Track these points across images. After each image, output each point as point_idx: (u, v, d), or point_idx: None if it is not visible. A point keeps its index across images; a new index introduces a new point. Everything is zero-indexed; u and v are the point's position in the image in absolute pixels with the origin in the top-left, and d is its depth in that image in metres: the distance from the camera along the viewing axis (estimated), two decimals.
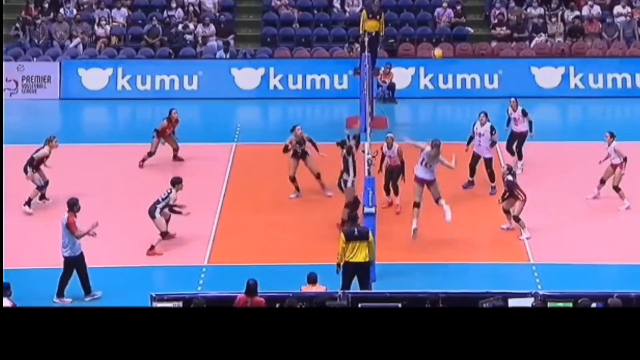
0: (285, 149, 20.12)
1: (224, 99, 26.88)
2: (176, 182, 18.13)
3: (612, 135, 19.95)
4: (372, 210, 16.90)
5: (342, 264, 15.77)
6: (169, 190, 18.05)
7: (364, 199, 17.23)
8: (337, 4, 29.89)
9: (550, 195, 20.44)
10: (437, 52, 19.32)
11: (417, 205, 18.31)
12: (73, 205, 16.36)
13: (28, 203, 19.57)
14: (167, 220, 18.08)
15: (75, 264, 16.19)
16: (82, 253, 16.22)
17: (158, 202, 18.01)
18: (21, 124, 26.00)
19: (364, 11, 25.58)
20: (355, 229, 15.88)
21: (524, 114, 21.42)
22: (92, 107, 26.96)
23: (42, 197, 19.93)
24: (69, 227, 16.10)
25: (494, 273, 17.75)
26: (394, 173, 19.62)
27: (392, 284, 16.23)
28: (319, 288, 15.07)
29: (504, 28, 29.23)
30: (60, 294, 16.26)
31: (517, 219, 18.54)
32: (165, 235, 17.95)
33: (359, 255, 15.74)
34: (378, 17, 25.08)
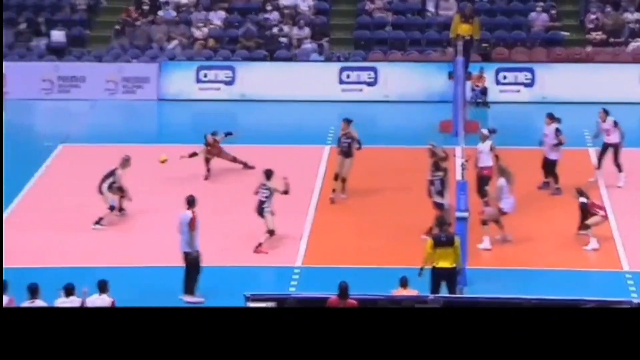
0: (338, 142, 20.38)
1: (318, 101, 26.92)
2: (270, 175, 18.21)
3: None
4: (465, 215, 16.77)
5: (427, 268, 15.70)
6: (265, 186, 18.13)
7: (457, 203, 17.10)
8: (431, 8, 29.75)
9: None
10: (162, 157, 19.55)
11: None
12: (192, 202, 16.49)
13: (98, 222, 19.13)
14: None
15: (195, 260, 16.32)
16: (199, 251, 16.38)
17: (263, 202, 18.11)
18: (120, 124, 26.45)
19: (457, 15, 25.38)
20: (443, 235, 15.79)
21: (615, 124, 20.94)
22: (189, 107, 27.24)
23: (120, 209, 19.56)
24: (191, 223, 16.23)
25: (586, 280, 17.49)
26: (484, 180, 19.44)
27: (483, 289, 16.11)
28: (410, 291, 15.02)
29: (600, 33, 28.77)
30: (190, 292, 16.34)
31: (586, 227, 18.20)
32: (272, 233, 18.09)
33: (446, 261, 15.65)
34: (471, 20, 24.82)
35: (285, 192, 18.17)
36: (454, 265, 15.66)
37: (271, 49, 28.81)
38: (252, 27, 29.15)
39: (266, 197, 18.14)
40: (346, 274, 15.74)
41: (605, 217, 18.33)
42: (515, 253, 18.17)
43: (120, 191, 19.41)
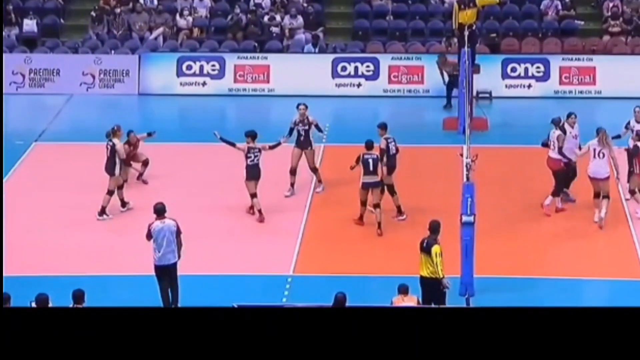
0: (290, 132, 20.48)
1: (309, 96, 26.94)
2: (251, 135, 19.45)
3: None
4: (471, 219, 16.84)
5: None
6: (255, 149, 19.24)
7: (462, 206, 17.17)
8: None
9: None
10: None
11: (597, 195, 19.29)
12: (164, 210, 16.49)
13: (123, 204, 19.87)
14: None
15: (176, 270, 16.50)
16: None
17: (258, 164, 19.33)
18: (98, 120, 26.45)
19: (455, 3, 25.07)
20: (425, 241, 15.88)
21: None
22: (173, 103, 27.29)
23: (123, 204, 20.00)
24: (179, 231, 16.37)
25: (605, 290, 17.62)
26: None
27: (493, 300, 16.23)
28: (410, 299, 15.11)
29: (618, 22, 28.88)
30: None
31: None
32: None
33: (424, 269, 15.78)
34: (471, 5, 24.57)
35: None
36: (429, 275, 15.69)
37: (261, 40, 28.89)
38: (241, 16, 29.24)
39: (258, 159, 19.18)
40: (342, 283, 15.84)
41: None
42: (533, 261, 18.27)
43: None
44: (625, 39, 28.55)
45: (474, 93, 25.09)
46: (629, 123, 20.87)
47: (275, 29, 29.11)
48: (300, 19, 29.22)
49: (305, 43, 28.73)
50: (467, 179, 17.75)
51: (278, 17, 29.31)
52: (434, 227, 16.03)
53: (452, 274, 16.32)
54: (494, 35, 28.73)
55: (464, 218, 16.89)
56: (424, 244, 15.81)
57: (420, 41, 28.83)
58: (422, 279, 15.76)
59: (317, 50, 28.52)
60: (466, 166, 18.02)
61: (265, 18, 29.30)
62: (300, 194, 20.75)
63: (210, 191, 20.86)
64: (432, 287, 15.65)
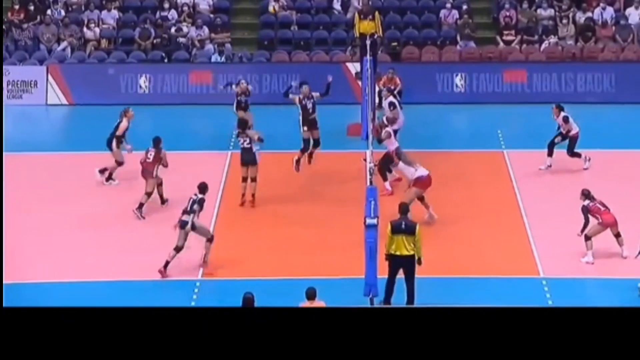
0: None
1: (217, 104, 26.88)
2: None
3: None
4: (374, 221, 16.93)
5: (387, 255, 16.49)
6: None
7: (366, 210, 17.27)
8: (337, 6, 30.00)
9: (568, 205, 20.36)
10: None
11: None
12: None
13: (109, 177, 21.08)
14: None
15: None
16: None
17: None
18: (5, 131, 26.05)
19: (356, 13, 25.33)
20: (403, 222, 16.47)
21: (566, 119, 22.08)
22: (81, 113, 27.00)
23: (110, 177, 21.15)
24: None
25: (503, 287, 17.82)
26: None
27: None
28: (318, 304, 15.13)
29: (513, 31, 29.30)
30: None
31: (586, 237, 18.29)
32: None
33: (402, 248, 16.39)
34: (371, 17, 24.84)
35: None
36: (411, 253, 16.41)
37: (169, 50, 28.77)
38: (148, 27, 29.07)
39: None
40: (250, 286, 15.79)
41: (603, 225, 18.22)
42: (436, 261, 18.37)
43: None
44: (520, 47, 29.03)
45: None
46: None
47: (182, 39, 29.02)
48: (206, 30, 29.14)
49: (213, 53, 28.69)
50: (371, 182, 17.88)
51: (185, 28, 29.21)
52: (405, 209, 16.76)
53: (358, 274, 16.45)
54: (395, 44, 28.96)
55: (368, 221, 16.97)
56: (403, 226, 16.46)
57: (324, 50, 28.94)
58: (402, 258, 16.34)
59: (223, 59, 28.49)
60: (369, 170, 18.18)
61: (173, 29, 29.17)
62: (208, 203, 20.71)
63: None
64: (411, 264, 16.42)
